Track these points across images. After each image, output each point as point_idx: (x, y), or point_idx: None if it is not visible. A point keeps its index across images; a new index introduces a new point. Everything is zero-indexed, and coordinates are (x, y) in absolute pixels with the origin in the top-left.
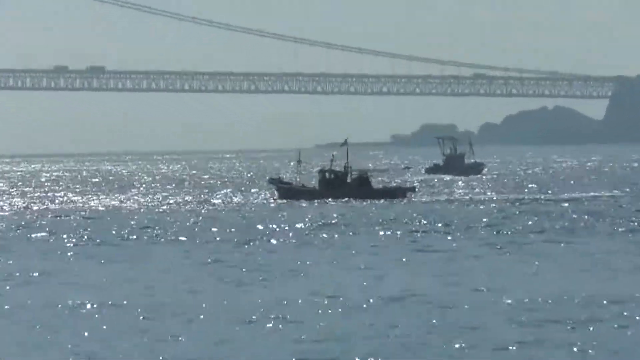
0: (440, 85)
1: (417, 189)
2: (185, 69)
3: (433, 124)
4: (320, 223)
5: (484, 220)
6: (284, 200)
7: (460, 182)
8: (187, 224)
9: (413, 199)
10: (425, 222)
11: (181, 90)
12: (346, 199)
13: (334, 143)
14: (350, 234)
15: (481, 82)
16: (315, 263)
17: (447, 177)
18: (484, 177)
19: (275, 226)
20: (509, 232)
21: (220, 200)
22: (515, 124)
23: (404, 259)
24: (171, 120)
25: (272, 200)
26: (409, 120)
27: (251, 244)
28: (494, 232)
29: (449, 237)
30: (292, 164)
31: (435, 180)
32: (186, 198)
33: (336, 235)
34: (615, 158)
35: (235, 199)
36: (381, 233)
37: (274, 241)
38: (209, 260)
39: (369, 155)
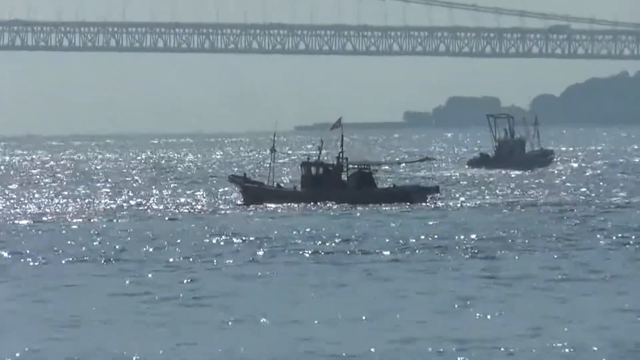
0: (475, 40)
1: (440, 190)
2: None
3: (464, 97)
4: (295, 243)
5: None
6: (251, 207)
7: (522, 179)
8: (103, 241)
9: (437, 204)
10: (468, 244)
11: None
12: (340, 203)
13: (322, 124)
14: (349, 263)
15: (532, 37)
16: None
17: (502, 172)
18: (555, 171)
19: (236, 248)
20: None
21: (159, 206)
22: (580, 97)
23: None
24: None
25: (234, 207)
26: (429, 92)
27: (194, 273)
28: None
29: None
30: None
31: (479, 175)
32: (106, 202)
33: (329, 267)
34: None
35: (181, 205)
36: (396, 260)
37: (228, 271)
38: (136, 292)
39: (374, 142)
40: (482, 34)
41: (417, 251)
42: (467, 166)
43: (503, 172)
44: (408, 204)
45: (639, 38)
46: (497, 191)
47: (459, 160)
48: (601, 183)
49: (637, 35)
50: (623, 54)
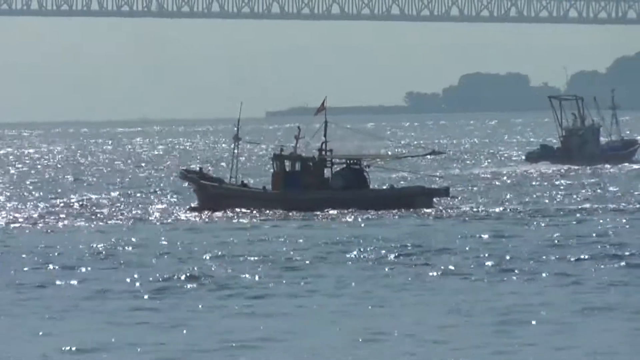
0: (496, 1)
1: (451, 192)
2: None
3: (482, 74)
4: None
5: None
6: (209, 211)
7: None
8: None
9: (448, 209)
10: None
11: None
12: (322, 209)
13: (299, 108)
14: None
15: None
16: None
17: (571, 168)
18: None
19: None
20: None
21: (102, 211)
22: (631, 73)
23: None
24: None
25: (186, 211)
26: (438, 68)
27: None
28: None
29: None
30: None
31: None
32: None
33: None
34: None
35: (126, 210)
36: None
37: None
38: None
39: (367, 129)
40: None
41: (394, 269)
42: (524, 159)
43: (573, 168)
44: (410, 209)
45: None
46: (547, 194)
47: (504, 154)
48: None
49: None
50: None
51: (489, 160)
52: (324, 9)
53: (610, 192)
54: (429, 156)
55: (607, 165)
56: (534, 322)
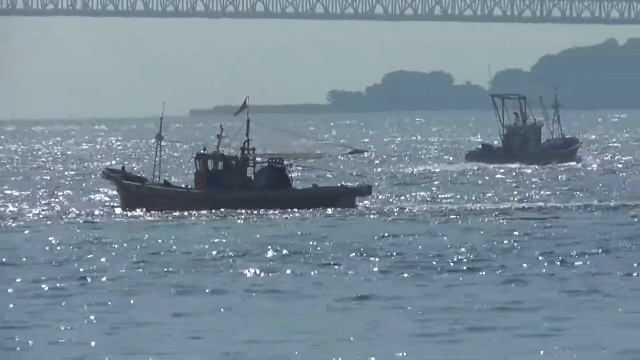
0: None
1: (373, 190)
2: None
3: (406, 72)
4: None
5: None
6: (132, 210)
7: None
8: None
9: (369, 209)
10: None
11: None
12: (244, 208)
13: (223, 107)
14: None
15: None
16: None
17: (512, 166)
18: (581, 166)
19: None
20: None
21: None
22: (555, 71)
23: None
24: None
25: (108, 212)
26: (361, 66)
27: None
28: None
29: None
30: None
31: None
32: None
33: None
34: None
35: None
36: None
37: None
38: None
39: (290, 128)
40: None
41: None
42: (464, 159)
43: (514, 166)
44: (332, 208)
45: None
46: (485, 193)
47: (438, 153)
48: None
49: None
50: (610, 17)
51: (421, 159)
52: (248, 6)
53: (536, 191)
54: (351, 155)
55: (549, 165)
56: (457, 324)
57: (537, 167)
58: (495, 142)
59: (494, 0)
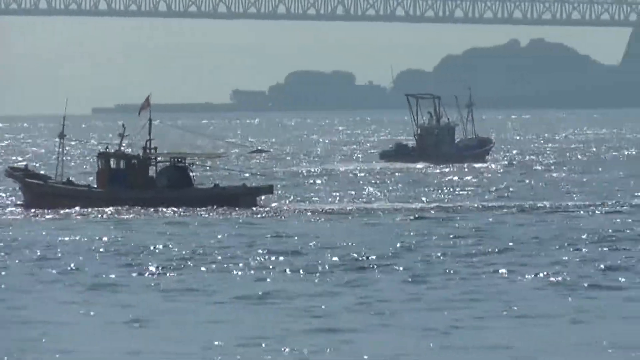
0: None
1: (275, 189)
2: None
3: (309, 71)
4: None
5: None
6: (34, 209)
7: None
8: None
9: (269, 208)
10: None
11: None
12: (146, 207)
13: (125, 105)
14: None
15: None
16: None
17: (422, 166)
18: (494, 165)
19: None
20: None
21: None
22: (457, 72)
23: None
24: None
25: (12, 209)
26: (264, 66)
27: None
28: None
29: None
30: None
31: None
32: None
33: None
34: None
35: None
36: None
37: None
38: None
39: (192, 127)
40: None
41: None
42: (379, 158)
43: (424, 165)
44: (234, 207)
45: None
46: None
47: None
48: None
49: None
50: (513, 17)
51: (329, 158)
52: (151, 5)
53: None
54: (254, 154)
55: (463, 164)
56: (354, 324)
57: (446, 166)
58: (410, 142)
59: (397, 1)
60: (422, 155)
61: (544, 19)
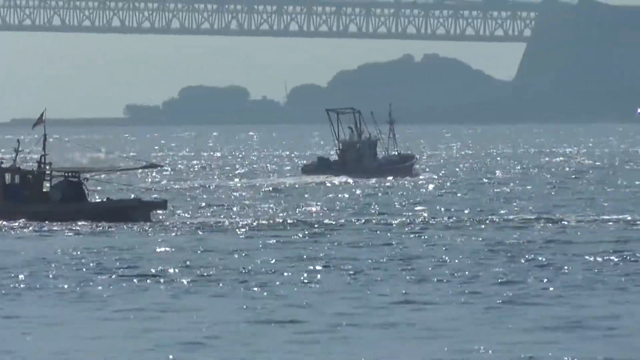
0: (216, 15)
1: (169, 205)
2: None
3: (203, 86)
4: None
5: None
6: None
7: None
8: None
9: (163, 222)
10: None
11: None
12: (40, 221)
13: (21, 120)
14: None
15: (288, 10)
16: None
17: (345, 180)
18: (422, 180)
19: None
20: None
21: None
22: (351, 87)
23: None
24: None
25: None
26: (158, 81)
27: None
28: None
29: None
30: None
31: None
32: None
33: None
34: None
35: None
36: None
37: None
38: None
39: (86, 142)
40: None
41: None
42: (301, 173)
43: (348, 180)
44: (127, 221)
45: (426, 12)
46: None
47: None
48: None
49: (425, 8)
50: (406, 32)
51: (237, 173)
52: (45, 20)
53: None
54: (148, 169)
55: (387, 178)
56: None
57: (354, 180)
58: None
59: (291, 15)
60: (344, 169)
61: (438, 34)
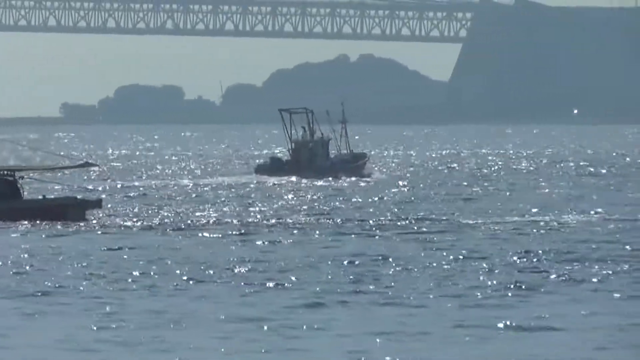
0: (151, 14)
1: (104, 204)
2: None
3: (138, 86)
4: None
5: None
6: None
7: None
8: None
9: (99, 222)
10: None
11: None
12: None
13: None
14: None
15: (224, 10)
16: None
17: (296, 180)
18: (372, 181)
19: None
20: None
21: None
22: (288, 87)
23: None
24: None
25: None
26: (94, 80)
27: None
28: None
29: None
30: None
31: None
32: None
33: None
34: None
35: None
36: None
37: None
38: None
39: (22, 140)
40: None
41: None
42: (254, 172)
43: (300, 180)
44: (62, 220)
45: (362, 12)
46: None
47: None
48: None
49: (361, 8)
50: (342, 32)
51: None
52: None
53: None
54: (84, 168)
55: (337, 178)
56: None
57: (307, 181)
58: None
59: (226, 15)
60: (296, 168)
61: (374, 34)
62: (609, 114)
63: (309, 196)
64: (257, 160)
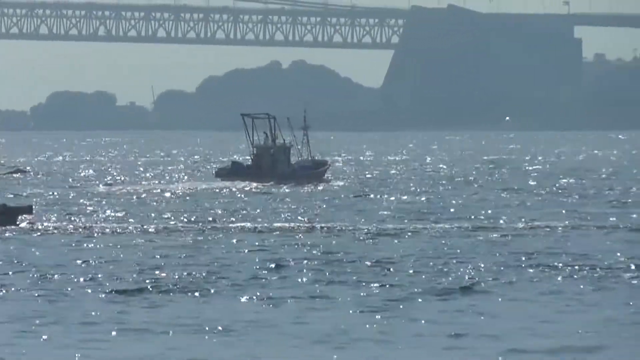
0: (89, 21)
1: (34, 209)
2: None
3: (71, 92)
4: None
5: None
6: None
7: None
8: None
9: (31, 227)
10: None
11: None
12: None
13: None
14: None
15: (157, 17)
16: None
17: (257, 184)
18: (335, 186)
19: None
20: None
21: None
22: (220, 93)
23: None
24: None
25: None
26: (25, 86)
27: None
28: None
29: None
30: None
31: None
32: None
33: None
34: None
35: None
36: None
37: None
38: None
39: None
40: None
41: None
42: (215, 176)
43: (260, 185)
44: None
45: (294, 19)
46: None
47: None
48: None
49: (293, 15)
50: (274, 39)
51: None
52: None
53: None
54: (14, 174)
55: (298, 184)
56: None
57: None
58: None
59: (159, 22)
60: (257, 173)
61: (306, 41)
62: (536, 121)
63: (262, 197)
64: (215, 166)
